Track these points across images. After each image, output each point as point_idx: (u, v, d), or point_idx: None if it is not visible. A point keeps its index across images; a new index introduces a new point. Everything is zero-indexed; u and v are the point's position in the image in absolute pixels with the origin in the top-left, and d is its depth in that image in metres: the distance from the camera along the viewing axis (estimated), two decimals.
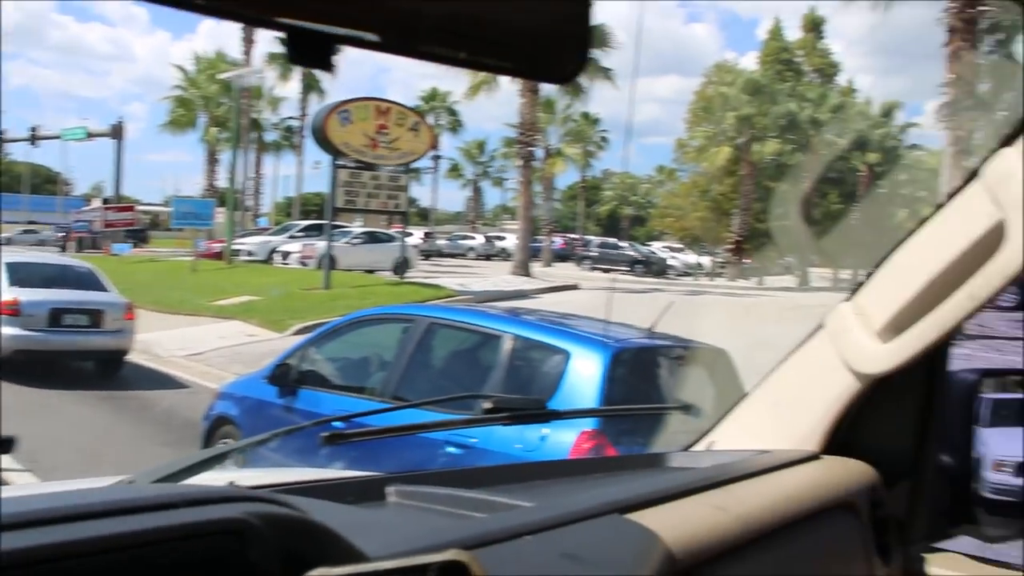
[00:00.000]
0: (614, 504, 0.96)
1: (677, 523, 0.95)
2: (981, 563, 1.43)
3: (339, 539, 0.61)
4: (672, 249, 45.96)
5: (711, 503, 1.05)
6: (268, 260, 29.15)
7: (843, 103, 45.12)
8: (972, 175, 1.26)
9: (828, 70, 47.33)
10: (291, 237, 31.37)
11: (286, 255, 28.69)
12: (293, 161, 57.24)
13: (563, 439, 4.18)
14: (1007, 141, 1.24)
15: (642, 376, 4.81)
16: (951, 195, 1.29)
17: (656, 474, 1.33)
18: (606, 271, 38.04)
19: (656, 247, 46.46)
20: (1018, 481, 1.54)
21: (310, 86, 47.51)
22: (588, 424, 4.20)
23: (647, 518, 0.94)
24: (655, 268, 40.07)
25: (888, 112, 46.33)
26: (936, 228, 1.28)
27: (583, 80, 34.85)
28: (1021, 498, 1.52)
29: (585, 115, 46.34)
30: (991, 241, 1.20)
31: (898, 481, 1.41)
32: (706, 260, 43.47)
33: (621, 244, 45.12)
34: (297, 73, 45.63)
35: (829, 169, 42.20)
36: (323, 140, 20.89)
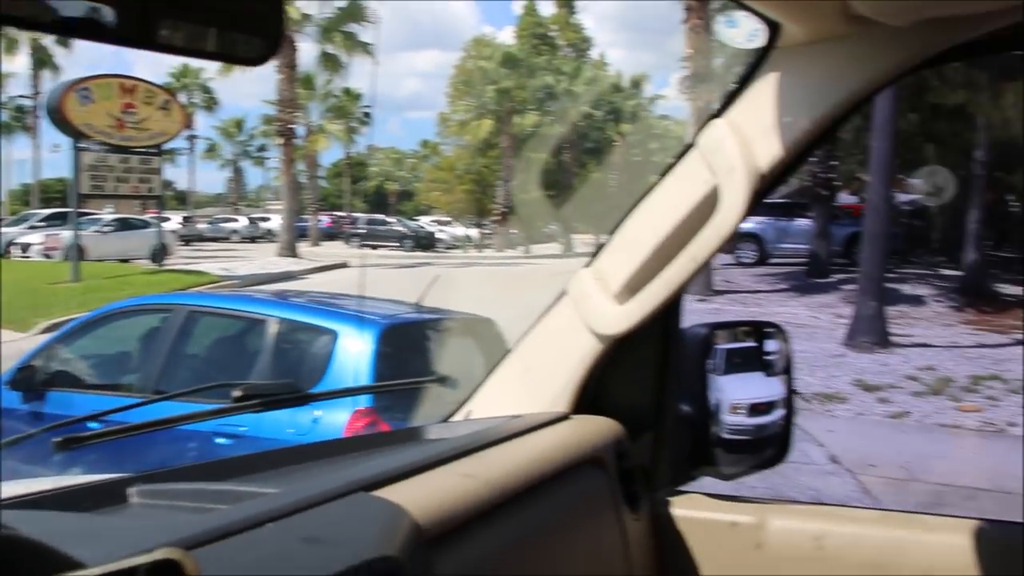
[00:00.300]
0: (360, 482, 0.96)
1: (425, 495, 0.97)
2: (719, 499, 1.56)
3: (50, 551, 0.57)
4: (440, 223, 46.38)
5: (460, 471, 1.07)
6: (5, 253, 26.74)
7: (596, 76, 47.14)
8: (690, 145, 1.36)
9: (581, 44, 49.20)
10: (31, 227, 28.99)
11: (26, 247, 26.49)
12: (28, 144, 52.56)
13: (337, 419, 4.15)
14: (718, 112, 1.35)
15: (412, 351, 4.84)
16: (673, 163, 1.38)
17: (411, 448, 1.35)
18: (375, 248, 37.88)
19: (424, 221, 46.73)
20: (751, 421, 1.68)
21: (42, 61, 43.74)
22: (362, 403, 4.19)
23: (394, 493, 0.95)
24: (424, 242, 40.32)
25: (637, 84, 48.86)
26: (661, 195, 1.38)
27: (342, 55, 34.35)
28: (754, 435, 1.66)
29: (347, 90, 45.64)
30: (707, 206, 1.31)
31: (642, 433, 1.51)
32: (474, 232, 44.23)
33: (389, 220, 45.04)
34: (26, 46, 41.86)
35: (586, 139, 44.07)
36: (61, 121, 19.32)
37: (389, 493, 0.96)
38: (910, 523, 1.51)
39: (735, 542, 1.49)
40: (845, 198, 24.43)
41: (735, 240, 23.90)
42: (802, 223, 22.97)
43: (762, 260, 23.82)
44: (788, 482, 6.74)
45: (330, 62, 34.44)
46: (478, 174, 43.52)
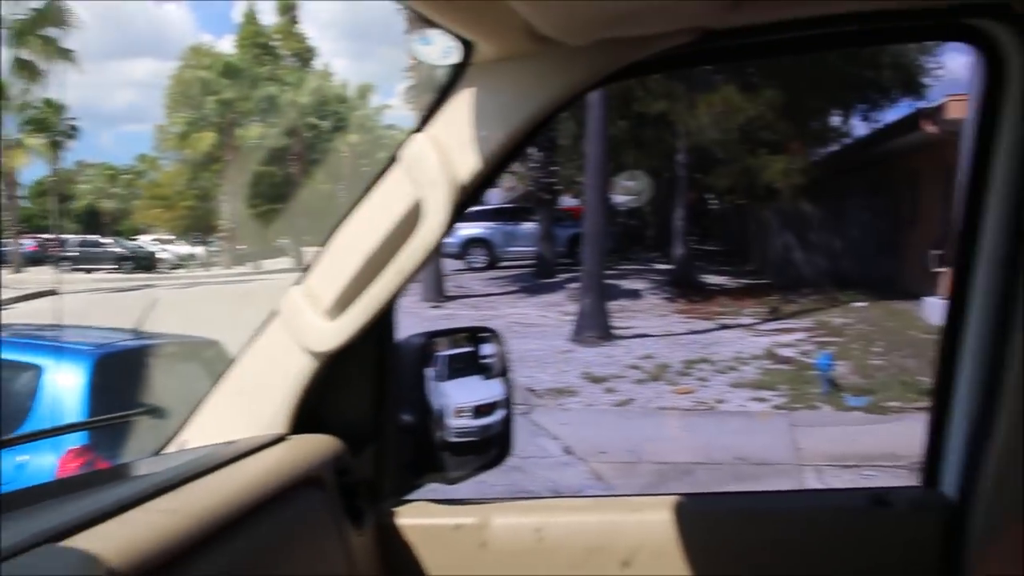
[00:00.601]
0: (47, 532, 0.89)
1: (121, 538, 0.91)
2: (444, 504, 1.60)
3: None
4: (162, 241, 43.87)
5: (161, 508, 1.02)
6: None
7: (321, 86, 46.48)
8: (393, 159, 1.38)
9: (305, 54, 48.27)
10: None
11: None
12: None
13: (47, 462, 3.81)
14: (419, 127, 1.39)
15: (131, 381, 4.55)
16: (377, 178, 1.40)
17: (114, 487, 1.26)
18: (89, 271, 35.22)
19: (144, 240, 44.00)
20: (476, 422, 1.73)
21: None
22: (75, 442, 3.88)
23: (87, 540, 0.89)
24: (144, 263, 38.00)
25: (364, 94, 48.69)
26: (367, 210, 1.39)
27: (40, 62, 31.55)
28: (480, 436, 1.71)
29: (48, 101, 41.84)
30: (412, 219, 1.34)
31: (364, 447, 1.51)
32: (200, 250, 42.21)
33: (104, 241, 41.96)
34: None
35: (314, 151, 43.38)
36: None
37: (81, 541, 0.89)
38: (621, 506, 1.62)
39: (460, 544, 1.54)
40: (567, 201, 25.72)
41: (467, 245, 24.55)
42: (528, 226, 23.95)
43: (492, 264, 24.57)
44: (528, 477, 7.02)
45: (26, 69, 31.51)
46: (201, 189, 41.57)
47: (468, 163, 1.34)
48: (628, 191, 18.58)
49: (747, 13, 1.33)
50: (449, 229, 1.36)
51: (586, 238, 14.93)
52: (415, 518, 1.54)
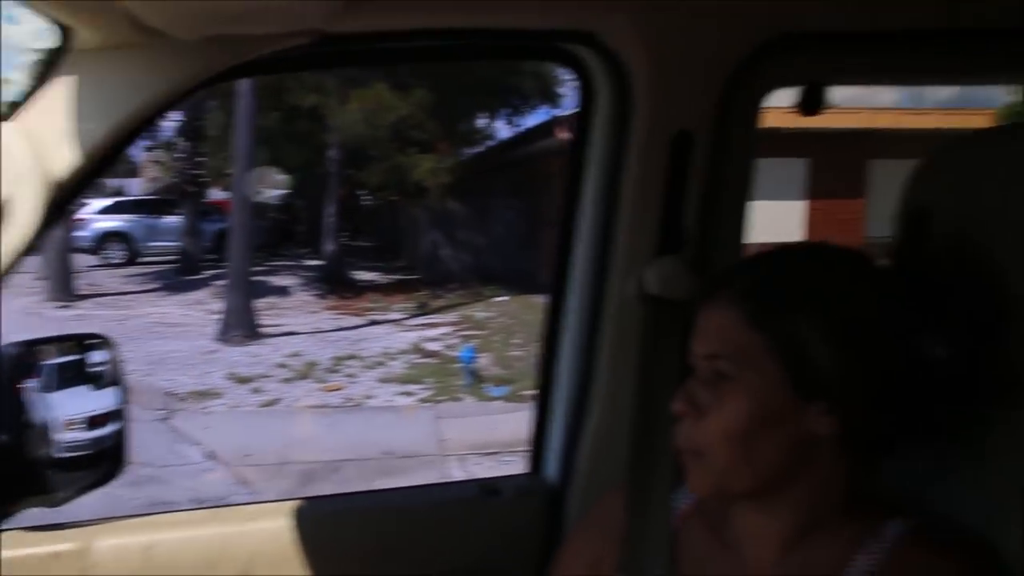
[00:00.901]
0: None
1: None
2: (39, 531, 1.47)
3: None
4: None
5: None
6: None
7: None
8: None
9: None
10: None
11: None
12: None
13: None
14: (8, 115, 1.25)
15: None
16: None
17: None
18: None
19: None
20: (90, 435, 1.61)
21: None
22: None
23: None
24: None
25: None
26: None
27: None
28: (94, 450, 1.59)
29: None
30: None
31: None
32: None
33: None
34: None
35: None
36: None
37: None
38: (237, 515, 1.59)
39: (60, 574, 1.42)
40: (215, 194, 24.69)
41: (103, 240, 22.79)
42: (172, 220, 22.75)
43: (132, 260, 23.04)
44: (167, 487, 6.66)
45: None
46: None
47: (65, 158, 1.23)
48: (274, 184, 18.20)
49: (361, 20, 1.34)
50: (44, 230, 1.24)
51: (233, 233, 14.44)
52: (6, 550, 1.40)
